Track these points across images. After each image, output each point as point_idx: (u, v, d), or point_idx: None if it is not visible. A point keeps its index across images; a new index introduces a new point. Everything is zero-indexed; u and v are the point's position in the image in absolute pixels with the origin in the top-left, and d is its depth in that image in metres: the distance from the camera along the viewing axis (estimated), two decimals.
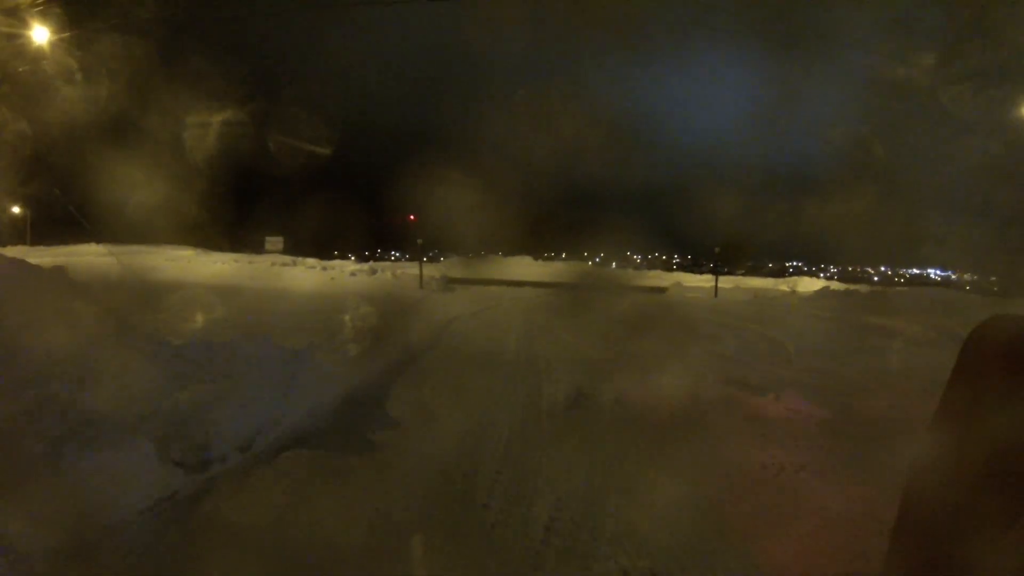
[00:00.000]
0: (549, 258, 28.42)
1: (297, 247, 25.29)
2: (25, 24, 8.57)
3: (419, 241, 15.80)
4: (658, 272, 27.97)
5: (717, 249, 19.99)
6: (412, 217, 31.20)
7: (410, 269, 16.99)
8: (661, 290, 17.70)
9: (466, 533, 2.47)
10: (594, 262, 30.48)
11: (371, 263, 22.20)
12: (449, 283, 15.48)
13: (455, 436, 3.50)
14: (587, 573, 2.24)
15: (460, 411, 3.98)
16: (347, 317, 6.41)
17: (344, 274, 15.21)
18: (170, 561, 2.23)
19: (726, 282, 20.81)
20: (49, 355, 2.78)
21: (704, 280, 21.99)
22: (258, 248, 24.97)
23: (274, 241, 25.32)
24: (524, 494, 2.83)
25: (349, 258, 27.65)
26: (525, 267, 23.48)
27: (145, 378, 2.97)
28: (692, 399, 4.34)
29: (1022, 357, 0.79)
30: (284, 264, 16.97)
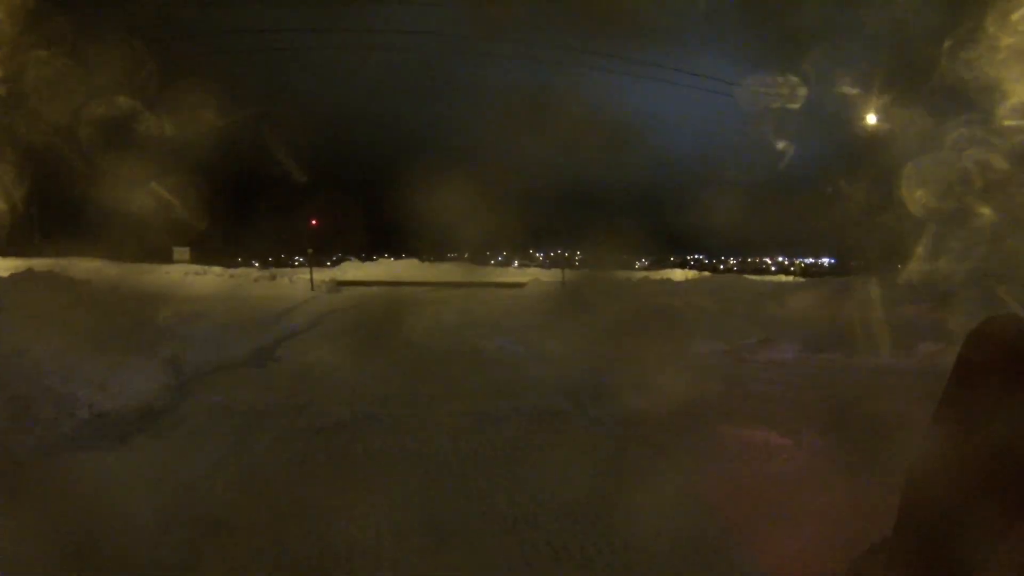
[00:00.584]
0: (432, 260, 31.80)
1: (204, 255, 27.42)
2: None
3: (309, 250, 19.06)
4: (537, 269, 31.93)
5: (567, 251, 24.38)
6: (314, 222, 34.02)
7: (307, 274, 20.23)
8: (520, 285, 21.69)
9: (297, 388, 6.07)
10: (487, 262, 34.30)
11: (272, 269, 24.98)
12: (338, 285, 18.85)
13: (306, 364, 7.09)
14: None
15: (314, 354, 7.57)
16: (252, 308, 9.84)
17: (248, 280, 18.31)
18: (169, 399, 5.67)
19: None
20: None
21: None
22: (165, 258, 27.04)
23: (181, 251, 27.43)
24: (335, 381, 6.46)
25: (254, 264, 29.99)
26: (410, 268, 26.98)
27: (154, 334, 6.39)
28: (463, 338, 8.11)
29: (1022, 357, 0.80)
30: (196, 273, 19.73)
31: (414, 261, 30.57)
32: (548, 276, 25.40)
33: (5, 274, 8.34)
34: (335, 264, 31.30)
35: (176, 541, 2.81)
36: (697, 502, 3.14)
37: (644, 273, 28.09)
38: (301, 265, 36.06)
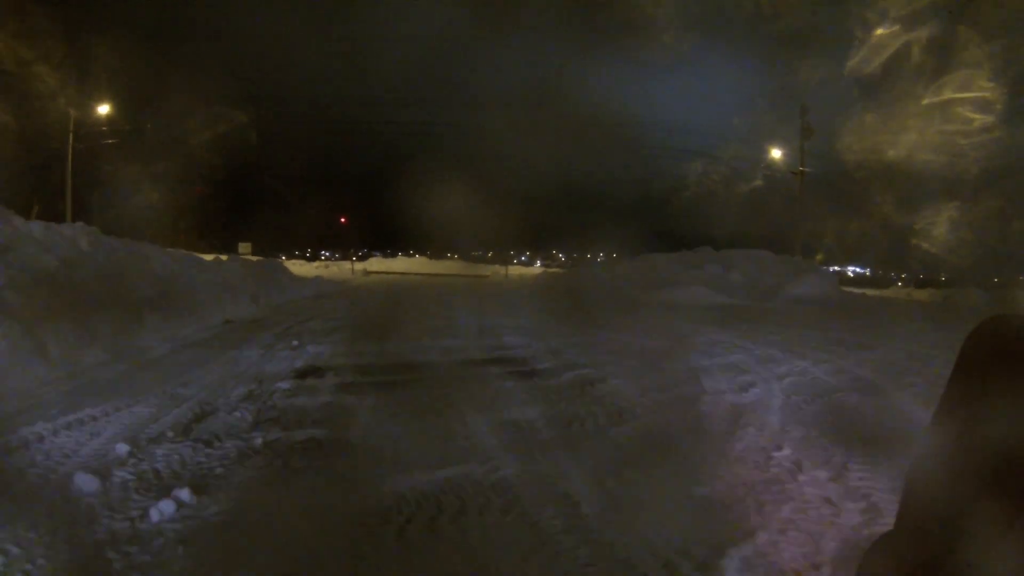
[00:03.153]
0: (436, 257, 42.84)
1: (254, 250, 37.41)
2: None
3: (351, 251, 30.26)
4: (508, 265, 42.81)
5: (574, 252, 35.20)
6: (343, 220, 45.50)
7: (347, 264, 31.57)
8: (483, 276, 32.59)
9: (355, 296, 17.09)
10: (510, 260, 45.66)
11: (326, 260, 36.21)
12: (368, 273, 30.04)
13: (348, 300, 18.10)
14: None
15: (352, 294, 18.60)
16: (328, 279, 21.05)
17: (312, 267, 29.55)
18: (231, 331, 16.69)
19: (536, 271, 36.11)
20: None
21: (525, 269, 37.48)
22: (232, 251, 37.69)
23: (245, 246, 38.33)
24: (367, 309, 17.47)
25: (279, 256, 40.00)
26: (418, 263, 38.18)
27: (268, 286, 17.50)
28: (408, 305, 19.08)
29: (1022, 357, 0.81)
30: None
31: (424, 258, 41.72)
32: (511, 270, 36.49)
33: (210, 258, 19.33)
34: (363, 259, 42.46)
35: (328, 307, 13.67)
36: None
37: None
38: (328, 258, 47.07)
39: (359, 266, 31.90)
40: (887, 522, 1.62)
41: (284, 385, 5.11)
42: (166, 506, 2.75)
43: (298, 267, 28.39)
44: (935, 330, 9.30)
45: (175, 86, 21.70)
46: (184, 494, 2.85)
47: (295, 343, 7.29)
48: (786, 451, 3.60)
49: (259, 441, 3.70)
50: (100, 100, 24.81)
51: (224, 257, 15.94)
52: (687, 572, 2.31)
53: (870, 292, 27.37)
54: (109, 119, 25.46)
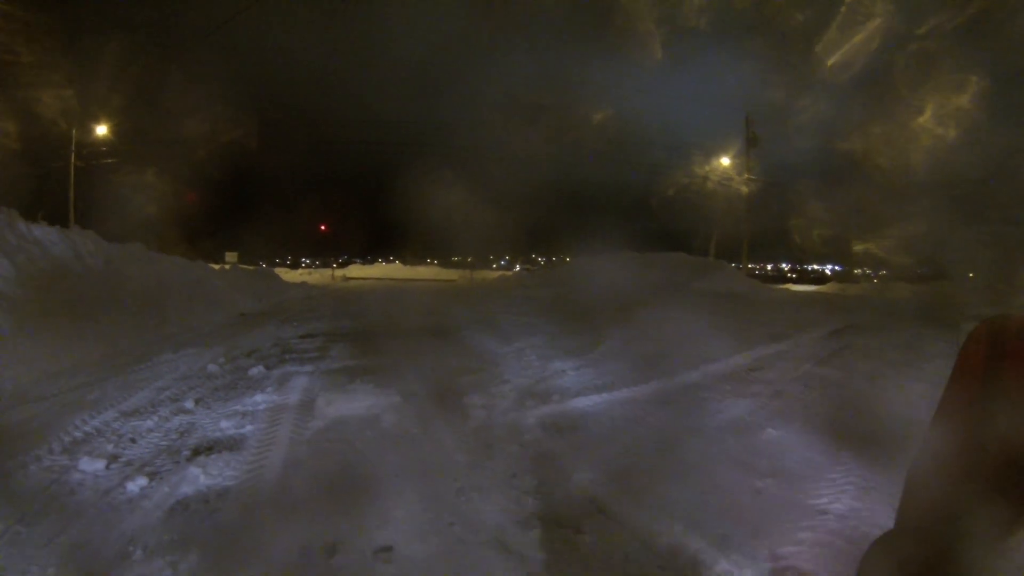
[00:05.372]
0: (414, 263, 46.70)
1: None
2: None
3: (332, 258, 34.03)
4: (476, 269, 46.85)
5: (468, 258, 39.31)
6: (323, 227, 48.98)
7: (328, 271, 35.40)
8: (451, 280, 36.56)
9: (336, 296, 20.91)
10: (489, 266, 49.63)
11: (311, 268, 39.83)
12: (347, 279, 33.85)
13: (338, 294, 21.93)
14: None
15: (333, 295, 22.43)
16: (313, 283, 24.89)
17: (297, 273, 33.28)
18: (248, 318, 20.49)
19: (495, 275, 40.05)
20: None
21: (490, 274, 41.53)
22: (219, 259, 41.24)
23: (231, 255, 41.95)
24: (344, 305, 21.31)
25: (262, 264, 44.16)
26: (394, 268, 42.03)
27: (265, 289, 21.27)
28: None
29: (1022, 357, 0.81)
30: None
31: (399, 264, 45.50)
32: (476, 275, 40.48)
33: (217, 267, 23.01)
34: (343, 265, 46.06)
35: (315, 304, 17.45)
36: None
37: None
38: (310, 265, 50.70)
39: (339, 272, 35.74)
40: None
41: (294, 340, 9.04)
42: (255, 371, 6.71)
43: (284, 274, 32.15)
44: (757, 313, 13.40)
45: (171, 98, 24.78)
46: (261, 368, 6.82)
47: (295, 323, 11.23)
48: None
49: (287, 357, 7.66)
50: (99, 116, 27.94)
51: (228, 267, 19.71)
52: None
53: (798, 287, 31.31)
54: (107, 138, 28.88)
